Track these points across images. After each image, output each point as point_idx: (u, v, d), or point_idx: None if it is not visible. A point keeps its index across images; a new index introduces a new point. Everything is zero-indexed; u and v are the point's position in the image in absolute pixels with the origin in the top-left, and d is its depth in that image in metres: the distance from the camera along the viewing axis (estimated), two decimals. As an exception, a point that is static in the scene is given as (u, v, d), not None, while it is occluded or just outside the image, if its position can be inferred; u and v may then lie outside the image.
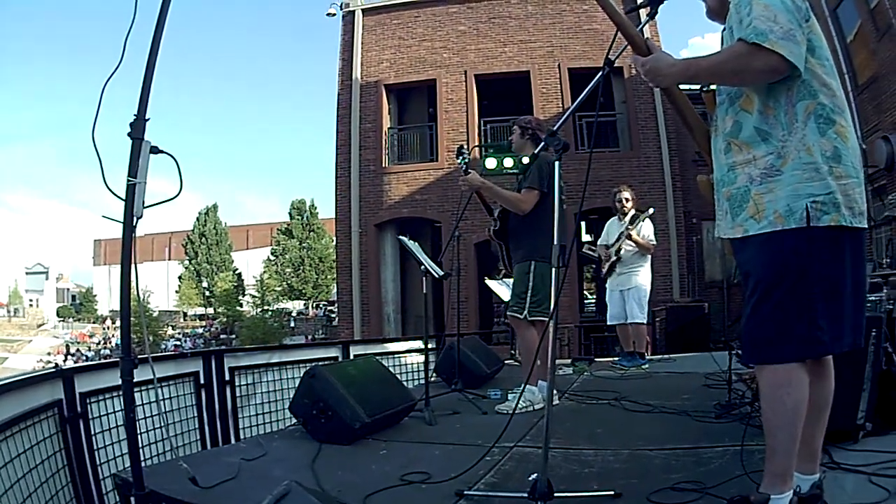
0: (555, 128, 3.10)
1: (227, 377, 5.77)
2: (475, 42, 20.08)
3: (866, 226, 2.52)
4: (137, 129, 3.05)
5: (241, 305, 60.13)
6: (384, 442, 4.46)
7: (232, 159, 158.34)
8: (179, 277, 65.51)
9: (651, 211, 8.94)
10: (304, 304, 59.17)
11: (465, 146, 6.12)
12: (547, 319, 3.83)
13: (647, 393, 5.81)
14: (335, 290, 25.48)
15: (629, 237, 8.42)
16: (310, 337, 46.61)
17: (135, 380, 3.08)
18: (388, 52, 20.50)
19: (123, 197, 3.03)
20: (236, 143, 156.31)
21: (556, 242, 2.98)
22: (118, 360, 3.13)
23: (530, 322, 5.50)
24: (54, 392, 3.90)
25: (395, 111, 21.33)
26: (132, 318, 3.51)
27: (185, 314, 67.71)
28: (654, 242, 8.79)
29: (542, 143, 3.16)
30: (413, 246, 5.84)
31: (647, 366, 8.11)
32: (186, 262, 64.57)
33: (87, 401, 4.13)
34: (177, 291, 66.05)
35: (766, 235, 2.49)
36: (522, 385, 5.00)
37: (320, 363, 5.74)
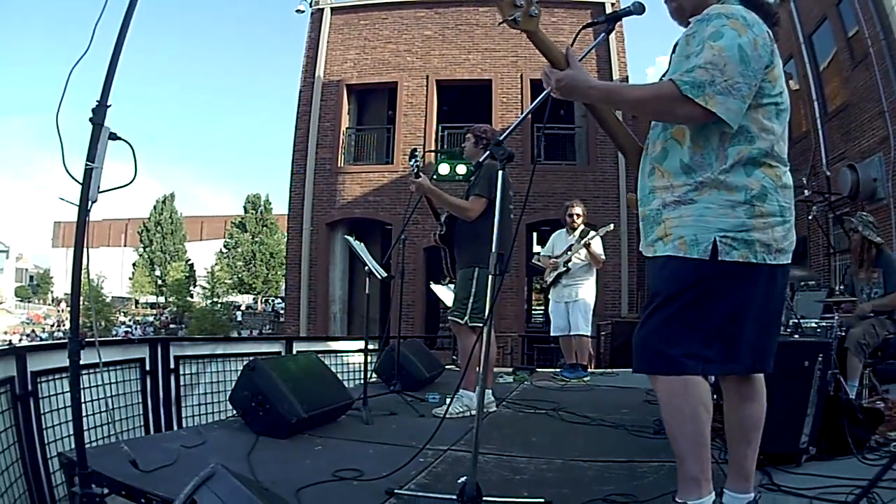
0: (501, 137, 3.09)
1: (171, 365, 5.78)
2: (440, 47, 20.12)
3: (787, 262, 2.52)
4: (99, 114, 3.09)
5: (191, 296, 59.65)
6: (320, 438, 4.46)
7: (192, 149, 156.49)
8: (133, 264, 64.53)
9: (611, 226, 9.02)
10: (254, 299, 58.78)
11: (419, 150, 6.11)
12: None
13: (586, 405, 5.85)
14: (284, 286, 25.28)
15: (588, 246, 8.43)
16: (256, 332, 46.16)
17: (82, 362, 3.12)
18: (352, 52, 20.44)
19: (81, 181, 3.09)
20: (198, 133, 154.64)
21: (494, 250, 2.99)
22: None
23: (471, 328, 5.50)
24: (7, 369, 3.91)
25: (354, 111, 21.30)
26: (84, 302, 3.50)
27: (137, 301, 66.76)
28: (604, 258, 8.84)
29: (487, 153, 3.16)
30: (358, 246, 5.86)
31: (588, 378, 8.16)
32: (141, 250, 63.64)
33: (38, 380, 4.14)
34: (130, 278, 65.05)
35: (669, 257, 2.51)
36: (455, 389, 4.98)
37: (262, 357, 5.73)
